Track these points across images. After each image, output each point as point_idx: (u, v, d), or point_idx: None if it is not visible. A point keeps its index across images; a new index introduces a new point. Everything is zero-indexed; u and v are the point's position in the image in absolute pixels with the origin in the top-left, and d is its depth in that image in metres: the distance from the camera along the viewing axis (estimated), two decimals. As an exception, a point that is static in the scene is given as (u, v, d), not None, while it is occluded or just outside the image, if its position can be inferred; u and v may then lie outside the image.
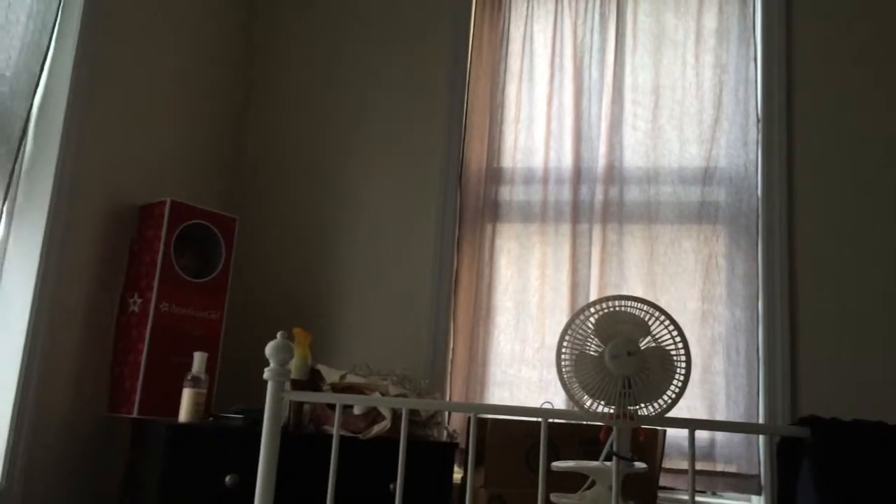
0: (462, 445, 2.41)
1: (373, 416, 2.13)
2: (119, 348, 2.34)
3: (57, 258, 2.13)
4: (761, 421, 2.46)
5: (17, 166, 2.12)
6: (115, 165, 2.38)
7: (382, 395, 2.16)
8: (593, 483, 1.58)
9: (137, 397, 2.21)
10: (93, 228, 2.29)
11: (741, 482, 2.44)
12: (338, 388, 2.19)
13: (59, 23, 2.20)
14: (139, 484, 2.13)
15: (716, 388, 2.52)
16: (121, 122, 2.41)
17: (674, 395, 1.47)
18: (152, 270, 2.30)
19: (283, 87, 3.09)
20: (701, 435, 2.45)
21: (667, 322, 1.49)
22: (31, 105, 2.13)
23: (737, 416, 2.47)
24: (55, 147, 2.14)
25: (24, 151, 2.13)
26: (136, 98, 2.47)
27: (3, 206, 2.07)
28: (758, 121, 2.67)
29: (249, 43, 3.14)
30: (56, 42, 2.20)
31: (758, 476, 2.44)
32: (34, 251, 2.09)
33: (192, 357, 2.19)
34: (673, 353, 1.48)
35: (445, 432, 2.38)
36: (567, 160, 2.76)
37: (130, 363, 2.28)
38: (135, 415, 2.20)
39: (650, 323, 1.50)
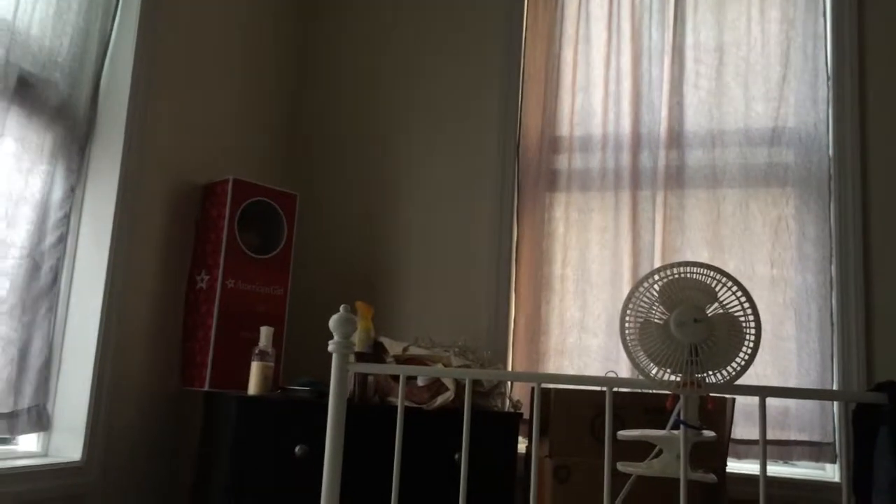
0: (526, 415, 2.41)
1: (436, 387, 2.14)
2: (189, 324, 2.41)
3: (126, 239, 2.20)
4: (835, 387, 2.39)
5: (87, 151, 2.18)
6: (178, 146, 2.44)
7: (445, 366, 2.17)
8: (660, 452, 1.56)
9: (208, 371, 2.27)
10: (159, 209, 2.35)
11: (815, 450, 2.38)
12: (401, 360, 2.21)
13: (121, 8, 2.25)
14: (212, 455, 2.20)
15: (787, 354, 2.45)
16: (182, 104, 2.45)
17: (743, 363, 1.43)
18: (218, 248, 2.35)
19: (337, 62, 3.10)
20: (773, 403, 2.39)
21: (734, 288, 1.45)
22: (96, 90, 2.19)
23: (809, 383, 2.41)
24: (120, 131, 2.19)
25: (92, 137, 2.19)
26: (195, 79, 2.51)
27: (73, 190, 2.13)
28: (828, 78, 2.55)
29: (304, 20, 3.15)
30: (117, 27, 2.25)
31: (832, 444, 2.37)
32: (104, 234, 2.15)
33: (258, 332, 2.23)
34: (741, 319, 1.44)
35: (509, 402, 2.39)
36: (626, 125, 2.70)
37: (200, 338, 2.34)
38: (206, 388, 2.27)
39: (717, 289, 1.46)
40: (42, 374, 2.03)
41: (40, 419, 2.03)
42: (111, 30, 2.22)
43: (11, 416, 1.95)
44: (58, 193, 2.08)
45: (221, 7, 2.64)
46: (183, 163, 2.46)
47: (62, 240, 2.10)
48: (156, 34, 2.31)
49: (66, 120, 2.09)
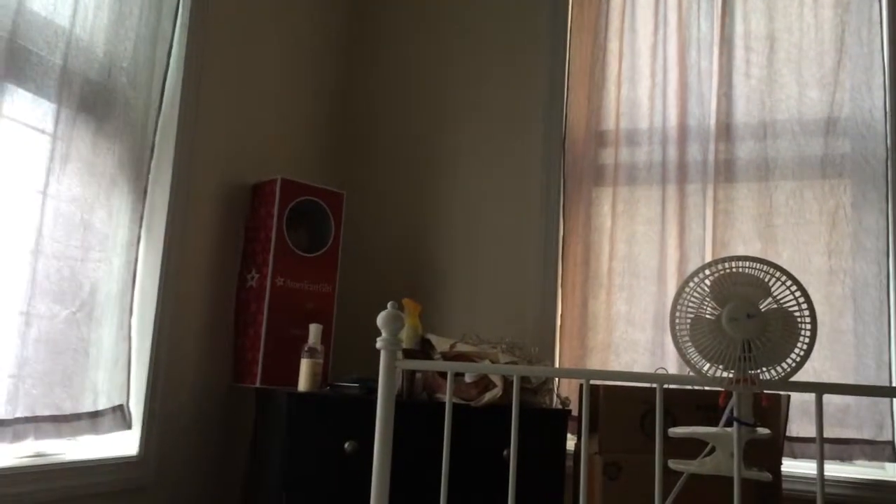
0: (574, 412, 2.40)
1: (484, 383, 2.14)
2: (240, 322, 2.45)
3: (178, 240, 2.24)
4: (895, 383, 2.31)
5: (152, 154, 2.21)
6: (227, 147, 2.48)
7: (492, 362, 2.17)
8: (713, 449, 1.53)
9: (259, 368, 2.31)
10: (210, 209, 2.39)
11: (873, 449, 2.31)
12: (448, 357, 2.21)
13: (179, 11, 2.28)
14: (264, 450, 2.24)
15: (846, 347, 2.38)
16: (230, 106, 2.49)
17: (798, 359, 1.40)
18: (267, 247, 2.39)
19: (382, 61, 3.11)
20: (831, 399, 2.33)
21: (789, 282, 1.42)
22: (161, 94, 2.22)
23: (867, 379, 2.34)
24: (172, 133, 2.23)
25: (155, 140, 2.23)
26: (243, 81, 2.55)
27: (144, 196, 2.18)
28: (884, 64, 2.47)
29: (349, 20, 3.17)
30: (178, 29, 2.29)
31: (891, 442, 2.30)
32: (158, 235, 2.20)
33: (307, 329, 2.26)
34: (796, 313, 1.41)
35: (557, 399, 2.37)
36: (673, 117, 2.66)
37: (251, 336, 2.38)
38: (257, 384, 2.30)
39: (770, 283, 1.43)
40: (123, 373, 2.09)
41: (124, 418, 2.09)
42: (173, 33, 2.25)
43: (94, 415, 2.00)
44: (131, 197, 2.12)
45: (268, 7, 2.67)
46: (232, 163, 2.50)
47: (137, 242, 2.15)
48: (205, 36, 2.35)
49: (134, 126, 2.13)
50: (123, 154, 2.10)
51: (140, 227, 2.17)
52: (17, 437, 1.77)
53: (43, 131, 1.85)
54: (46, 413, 1.86)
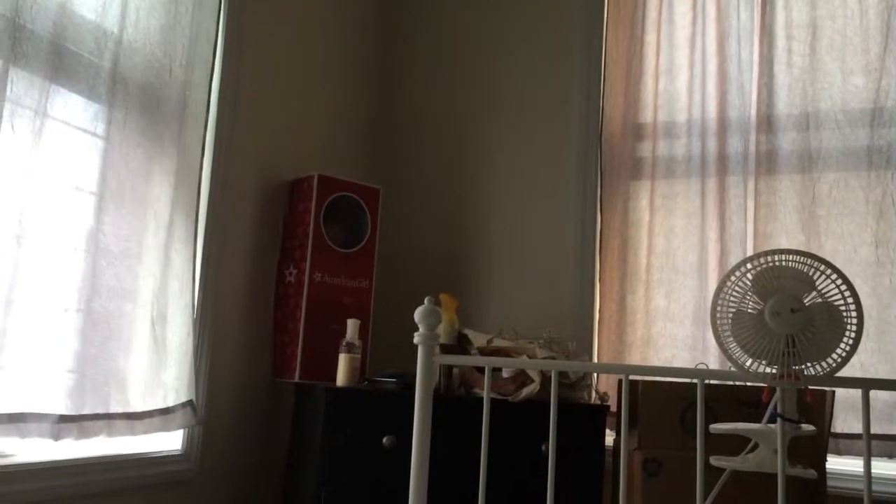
0: (612, 408, 2.38)
1: (521, 378, 2.14)
2: (279, 317, 2.48)
3: (218, 235, 2.27)
4: (945, 379, 2.25)
5: (203, 153, 2.24)
6: (265, 144, 2.50)
7: (530, 357, 2.16)
8: (756, 446, 1.50)
9: (298, 363, 2.33)
10: (249, 205, 2.42)
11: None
12: (485, 352, 2.21)
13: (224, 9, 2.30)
14: (303, 444, 2.26)
15: (895, 340, 2.32)
16: (268, 104, 2.52)
17: (844, 354, 1.37)
18: (305, 242, 2.41)
19: (417, 56, 3.11)
20: (879, 395, 2.27)
21: (834, 276, 1.38)
22: (208, 92, 2.24)
23: (916, 374, 2.28)
24: (211, 130, 2.26)
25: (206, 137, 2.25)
26: (280, 79, 2.57)
27: (198, 190, 2.20)
28: (934, 49, 2.40)
29: (386, 15, 3.18)
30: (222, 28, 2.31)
31: (942, 439, 2.24)
32: (199, 231, 2.24)
33: (345, 324, 2.28)
34: (842, 307, 1.37)
35: (595, 394, 2.36)
36: (712, 109, 2.61)
37: (290, 331, 2.40)
38: (296, 379, 2.33)
39: (814, 277, 1.39)
40: (192, 369, 2.13)
41: (194, 413, 2.12)
42: (217, 33, 2.27)
43: (165, 412, 2.04)
44: (186, 192, 2.15)
45: (304, 4, 2.69)
46: (270, 160, 2.52)
47: (194, 239, 2.18)
48: (243, 32, 2.37)
49: (188, 123, 2.15)
50: (179, 153, 2.12)
51: (196, 222, 2.19)
52: (86, 434, 1.81)
53: (94, 133, 1.88)
54: (119, 410, 1.90)
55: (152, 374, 2.00)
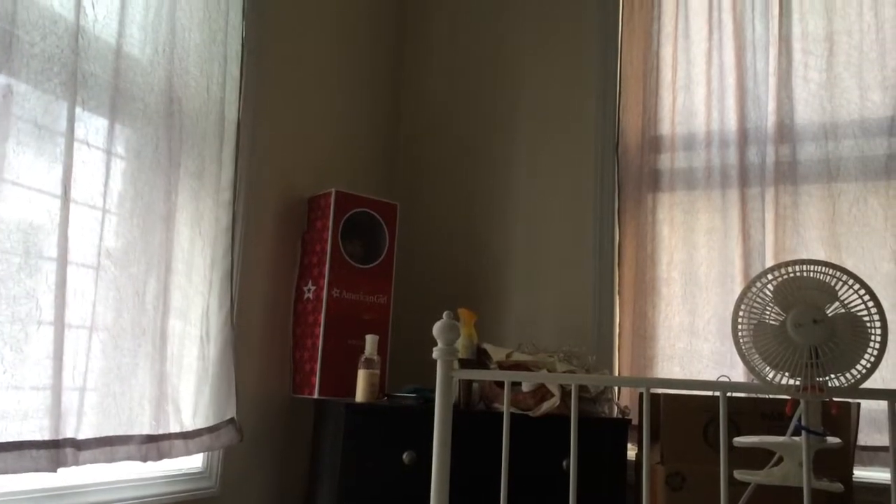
0: (634, 422, 2.36)
1: (541, 393, 2.13)
2: (298, 334, 2.49)
3: (238, 253, 2.29)
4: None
5: (238, 169, 2.27)
6: (283, 161, 2.52)
7: (549, 371, 2.15)
8: (780, 459, 1.49)
9: (317, 379, 2.34)
10: (268, 222, 2.44)
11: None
12: (505, 366, 2.20)
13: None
14: (323, 461, 2.26)
15: (918, 355, 2.29)
16: (286, 121, 2.54)
17: (869, 365, 1.35)
18: (323, 259, 2.42)
19: (433, 70, 3.14)
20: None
21: (856, 286, 1.37)
22: (238, 111, 2.28)
23: (942, 387, 2.25)
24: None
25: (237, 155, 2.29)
26: (298, 96, 2.60)
27: (234, 204, 2.22)
28: (953, 59, 2.39)
29: (401, 32, 3.21)
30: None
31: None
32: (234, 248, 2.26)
33: (364, 340, 2.28)
34: (865, 318, 1.36)
35: (616, 408, 2.34)
36: (731, 121, 2.61)
37: (309, 347, 2.41)
38: (316, 395, 2.33)
39: (837, 287, 1.38)
40: (232, 386, 2.14)
41: (236, 430, 2.14)
42: (242, 53, 2.30)
43: (212, 430, 2.06)
44: (224, 216, 2.18)
45: (321, 23, 2.72)
46: (289, 177, 2.54)
47: (231, 253, 2.20)
48: (261, 51, 2.40)
49: (224, 141, 2.19)
50: (219, 171, 2.16)
51: (233, 238, 2.21)
52: (162, 455, 1.85)
53: (138, 154, 1.91)
54: (177, 430, 1.93)
55: (200, 393, 2.02)
